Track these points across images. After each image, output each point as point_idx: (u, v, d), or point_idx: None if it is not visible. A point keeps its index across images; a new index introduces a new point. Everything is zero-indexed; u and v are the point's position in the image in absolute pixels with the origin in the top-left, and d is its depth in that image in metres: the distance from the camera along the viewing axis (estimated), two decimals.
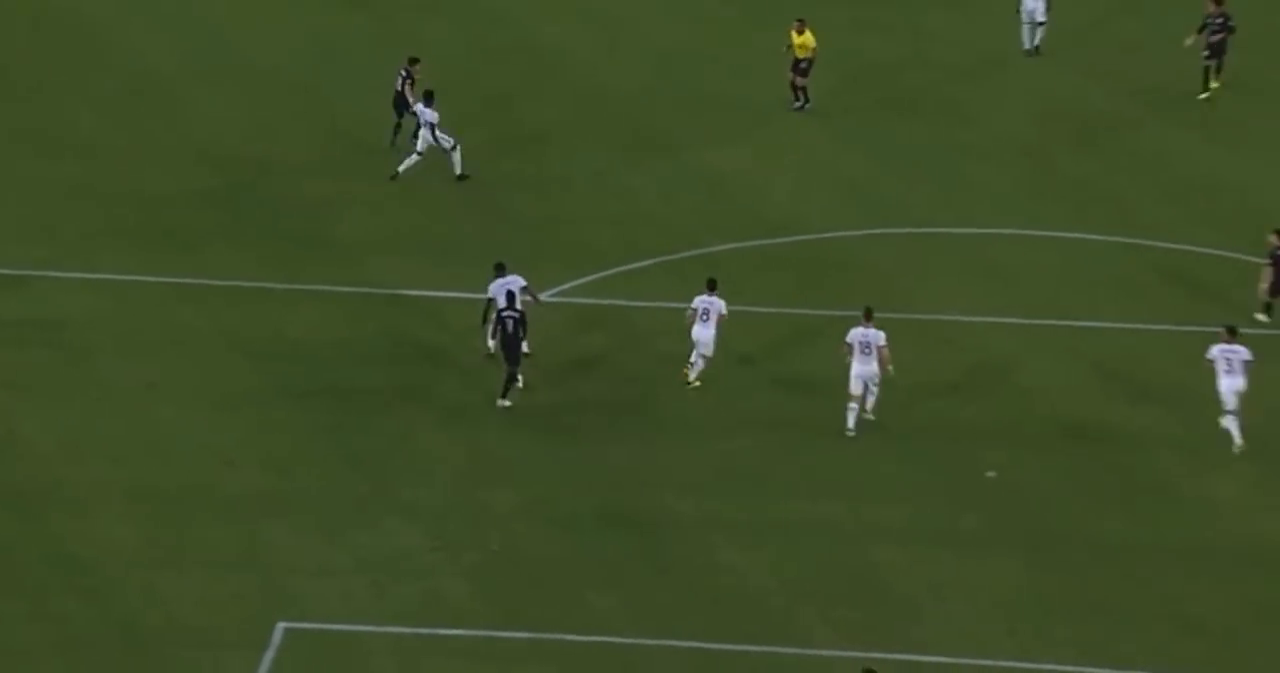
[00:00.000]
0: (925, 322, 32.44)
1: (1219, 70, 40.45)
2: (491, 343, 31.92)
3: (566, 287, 33.84)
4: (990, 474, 30.20)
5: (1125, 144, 39.82)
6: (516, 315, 30.89)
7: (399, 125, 38.52)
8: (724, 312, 31.39)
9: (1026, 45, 42.33)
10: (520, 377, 31.21)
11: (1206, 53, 40.28)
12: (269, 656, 26.47)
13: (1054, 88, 41.60)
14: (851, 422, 30.74)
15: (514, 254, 32.94)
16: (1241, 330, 31.09)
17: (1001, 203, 37.67)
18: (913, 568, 28.26)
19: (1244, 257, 34.94)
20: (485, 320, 31.74)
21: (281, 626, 26.94)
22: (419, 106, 37.71)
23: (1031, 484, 30.05)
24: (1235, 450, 30.42)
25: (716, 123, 40.38)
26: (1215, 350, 30.68)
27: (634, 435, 30.99)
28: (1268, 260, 33.47)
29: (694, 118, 40.69)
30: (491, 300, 31.54)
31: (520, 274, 31.87)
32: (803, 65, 39.98)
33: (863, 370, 30.61)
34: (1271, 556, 28.55)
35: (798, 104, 40.34)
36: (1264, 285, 33.45)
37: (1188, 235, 35.73)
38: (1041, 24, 41.96)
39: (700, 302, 31.51)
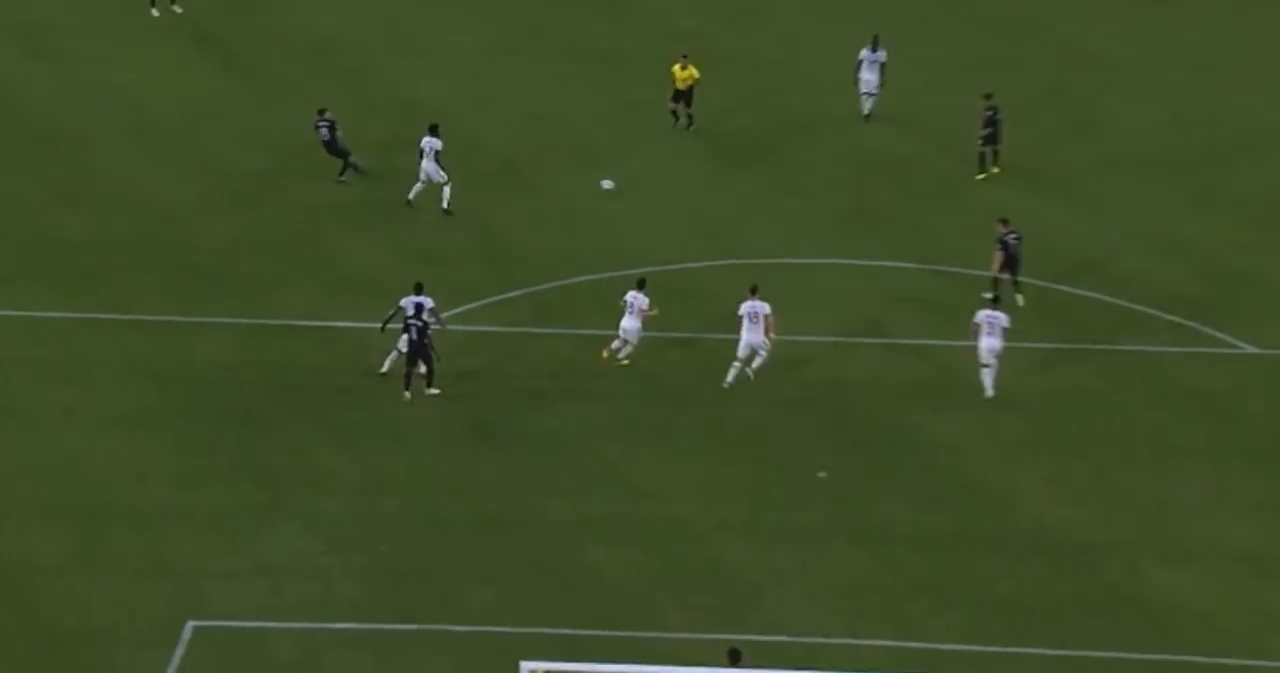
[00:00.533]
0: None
1: (996, 156, 39.82)
2: (388, 363, 32.12)
3: (444, 316, 33.67)
4: (821, 475, 30.45)
5: (935, 186, 40.39)
6: (420, 324, 31.58)
7: (348, 164, 38.48)
8: (644, 306, 32.21)
9: (865, 111, 42.34)
10: (431, 387, 31.54)
11: (980, 141, 39.64)
12: (180, 652, 26.13)
13: (874, 140, 42.12)
14: (731, 377, 31.82)
15: (400, 287, 32.72)
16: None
17: (828, 236, 38.07)
18: (755, 559, 28.46)
19: (1034, 281, 35.61)
20: (384, 326, 31.93)
21: (191, 624, 26.65)
22: (426, 140, 37.48)
23: (858, 483, 30.34)
24: (987, 395, 31.78)
25: (577, 166, 40.43)
26: (981, 316, 32.10)
27: (508, 446, 30.95)
28: (997, 246, 34.42)
29: (558, 161, 40.75)
30: (400, 308, 31.88)
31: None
32: (685, 94, 41.28)
33: (751, 339, 31.78)
34: (1059, 540, 29.13)
35: (680, 126, 41.48)
36: (995, 266, 34.36)
37: (988, 263, 36.24)
38: (874, 96, 42.16)
39: (629, 297, 32.33)
